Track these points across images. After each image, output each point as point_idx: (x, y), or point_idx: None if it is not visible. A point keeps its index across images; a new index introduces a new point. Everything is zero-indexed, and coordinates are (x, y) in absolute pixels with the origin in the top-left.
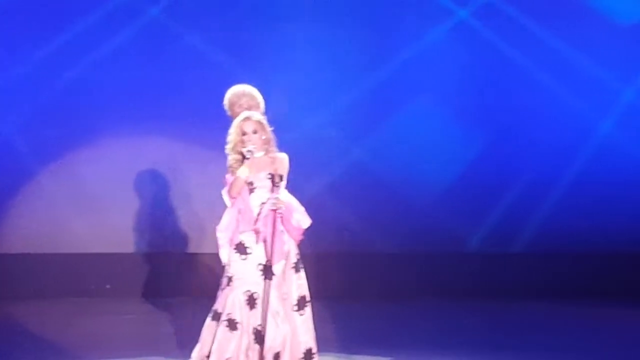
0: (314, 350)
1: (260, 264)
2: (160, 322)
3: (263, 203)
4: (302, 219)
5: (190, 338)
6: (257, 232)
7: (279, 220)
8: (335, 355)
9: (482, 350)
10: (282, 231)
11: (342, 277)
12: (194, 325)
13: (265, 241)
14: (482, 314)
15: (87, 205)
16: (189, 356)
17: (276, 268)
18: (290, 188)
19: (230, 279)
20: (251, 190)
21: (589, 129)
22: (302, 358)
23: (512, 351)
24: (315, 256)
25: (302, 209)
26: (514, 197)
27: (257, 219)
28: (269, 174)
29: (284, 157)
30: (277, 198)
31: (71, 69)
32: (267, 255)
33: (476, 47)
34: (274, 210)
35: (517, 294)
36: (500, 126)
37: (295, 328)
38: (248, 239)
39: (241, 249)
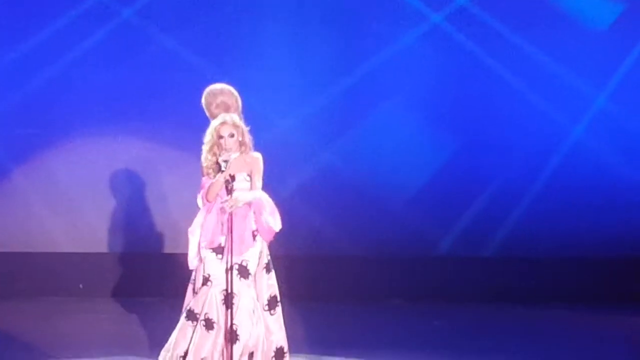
0: (286, 349)
1: (235, 263)
2: (133, 322)
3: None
4: (270, 221)
5: (162, 338)
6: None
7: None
8: (306, 357)
9: (451, 353)
10: (244, 222)
11: (312, 280)
12: (167, 326)
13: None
14: (451, 318)
15: (61, 205)
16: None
17: (251, 266)
18: (262, 188)
19: (206, 279)
20: (229, 192)
21: (560, 134)
22: (274, 357)
23: (481, 354)
24: (286, 259)
25: (276, 211)
26: (485, 201)
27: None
28: (247, 175)
29: (258, 157)
30: (231, 198)
31: (45, 69)
32: (228, 245)
33: (449, 52)
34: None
35: (487, 297)
36: (472, 131)
37: (267, 327)
38: (224, 240)
39: (218, 249)
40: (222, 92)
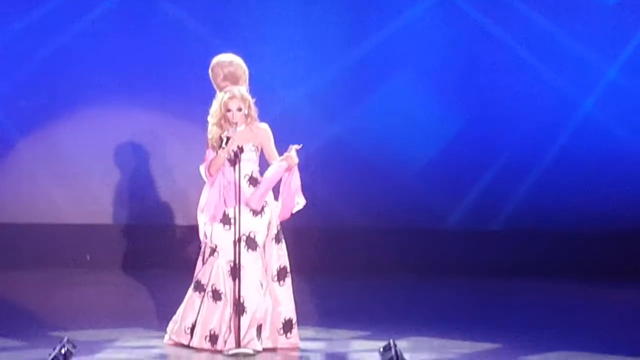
0: (294, 321)
1: (243, 234)
2: (139, 294)
3: (247, 175)
4: (300, 201)
5: (169, 310)
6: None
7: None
8: (314, 329)
9: (459, 326)
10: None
11: (320, 253)
12: (173, 297)
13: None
14: (459, 291)
15: (67, 176)
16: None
17: (259, 238)
18: (266, 163)
19: (213, 250)
20: (236, 163)
21: (571, 107)
22: (282, 328)
23: (489, 327)
24: (293, 231)
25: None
26: (495, 174)
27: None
28: (253, 145)
29: (266, 127)
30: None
31: (51, 39)
32: (232, 205)
33: (458, 24)
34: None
35: (495, 271)
36: (482, 103)
37: (275, 298)
38: (231, 209)
39: (225, 220)
40: (230, 63)
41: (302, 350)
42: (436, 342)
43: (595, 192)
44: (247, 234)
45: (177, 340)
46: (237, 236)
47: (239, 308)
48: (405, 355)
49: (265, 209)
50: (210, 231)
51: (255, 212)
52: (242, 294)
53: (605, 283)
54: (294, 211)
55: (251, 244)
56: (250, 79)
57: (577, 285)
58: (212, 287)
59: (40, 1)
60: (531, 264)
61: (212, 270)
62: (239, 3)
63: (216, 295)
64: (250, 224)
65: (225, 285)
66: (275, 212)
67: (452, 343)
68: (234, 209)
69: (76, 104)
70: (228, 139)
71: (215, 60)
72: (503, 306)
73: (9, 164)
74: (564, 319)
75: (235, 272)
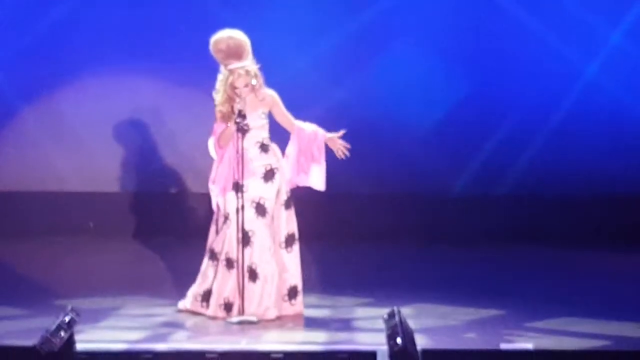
0: (299, 288)
1: (253, 201)
2: (144, 262)
3: (258, 142)
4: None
5: (174, 277)
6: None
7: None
8: (318, 296)
9: (463, 293)
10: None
11: (323, 219)
12: (177, 265)
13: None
14: (464, 257)
15: (71, 144)
16: (174, 296)
17: (268, 205)
18: (273, 129)
19: (226, 218)
20: (246, 131)
21: (575, 72)
22: (287, 295)
23: (493, 294)
24: (296, 198)
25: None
26: (499, 139)
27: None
28: (262, 112)
29: (273, 93)
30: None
31: (55, 7)
32: (237, 174)
33: None
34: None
35: (500, 237)
36: (486, 68)
37: (282, 265)
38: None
39: (237, 187)
40: (230, 38)
41: (306, 318)
42: (441, 308)
43: (600, 156)
44: (257, 200)
45: (191, 309)
46: (240, 203)
47: (250, 275)
48: (410, 322)
49: (275, 175)
50: (223, 201)
51: (266, 178)
52: (253, 260)
53: (611, 248)
54: (305, 183)
55: (260, 210)
56: (255, 45)
57: (581, 250)
58: (225, 255)
59: None
60: (536, 229)
61: (224, 239)
62: None
63: (229, 264)
64: (259, 190)
65: (237, 252)
66: (285, 178)
67: (456, 310)
68: (240, 177)
69: (80, 71)
70: (240, 111)
71: (214, 38)
72: (508, 273)
73: (13, 132)
74: (569, 284)
75: (247, 239)
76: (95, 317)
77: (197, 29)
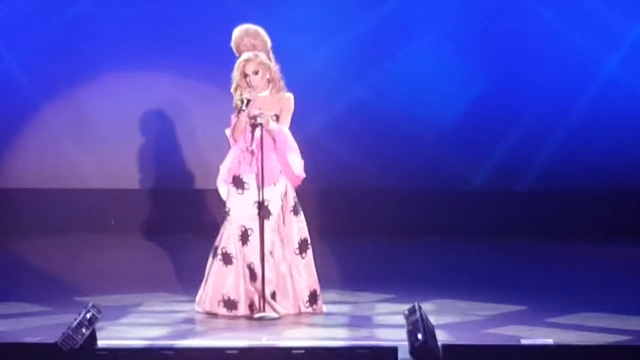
0: (318, 291)
1: (256, 201)
2: (164, 259)
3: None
4: (294, 161)
5: (193, 275)
6: (252, 154)
7: (269, 141)
8: (339, 292)
9: (484, 288)
10: (272, 154)
11: (344, 215)
12: (197, 262)
13: (258, 161)
14: (483, 253)
15: (91, 141)
16: (193, 292)
17: (273, 207)
18: (292, 125)
19: (227, 213)
20: (255, 128)
21: (594, 67)
22: (308, 301)
23: (513, 289)
24: (317, 193)
25: (299, 157)
26: (518, 135)
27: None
28: (275, 114)
29: (290, 97)
30: (263, 114)
31: (75, 3)
32: (257, 180)
33: None
34: (261, 129)
35: (519, 232)
36: (505, 64)
37: (298, 272)
38: (246, 174)
39: (238, 183)
40: (248, 32)
41: (327, 314)
42: (461, 304)
43: (619, 151)
44: (259, 200)
45: (196, 308)
46: (250, 200)
47: (251, 274)
48: (430, 318)
49: (280, 178)
50: (226, 194)
51: (270, 182)
52: (251, 260)
53: (631, 243)
54: (295, 172)
55: (265, 212)
56: (273, 42)
57: (601, 246)
58: (222, 250)
59: None
60: (555, 225)
61: (223, 234)
62: None
63: (227, 259)
64: (265, 193)
65: (236, 249)
66: (289, 181)
67: (476, 305)
68: (249, 173)
69: (100, 68)
70: (249, 101)
71: (235, 31)
72: (527, 268)
73: (34, 129)
74: (589, 279)
75: (245, 237)
76: (116, 313)
77: (216, 26)
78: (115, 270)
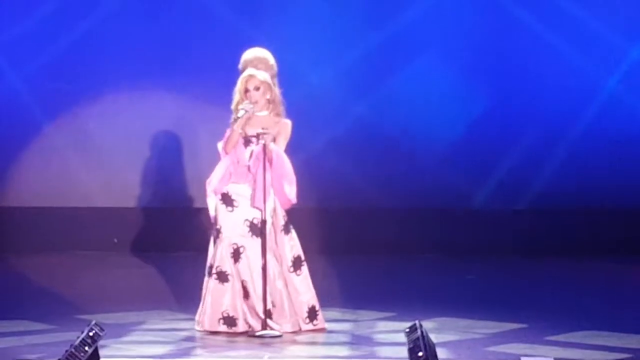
0: (317, 307)
1: (247, 220)
2: (166, 277)
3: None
4: (287, 188)
5: (195, 293)
6: (248, 170)
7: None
8: (340, 310)
9: (485, 306)
10: (268, 173)
11: (345, 233)
12: (200, 280)
13: (255, 182)
14: (485, 271)
15: (95, 159)
16: (195, 311)
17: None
18: (294, 143)
19: (218, 231)
20: (247, 144)
21: (594, 87)
22: (307, 317)
23: (515, 308)
24: (318, 212)
25: (294, 182)
26: (520, 154)
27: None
28: (272, 136)
29: (288, 122)
30: (267, 131)
31: (78, 23)
32: (255, 201)
33: (484, 4)
34: (264, 153)
35: (521, 250)
36: (506, 83)
37: (294, 289)
38: (235, 191)
39: (227, 200)
40: (256, 57)
41: (328, 332)
42: (462, 322)
43: (621, 170)
44: (251, 220)
45: (196, 327)
46: (240, 218)
47: (245, 291)
48: (431, 336)
49: (269, 197)
50: (215, 210)
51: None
52: (243, 277)
53: (632, 261)
54: (288, 197)
55: (254, 229)
56: (276, 59)
57: (603, 264)
58: (217, 269)
59: None
60: (556, 243)
61: (216, 252)
62: None
63: (222, 277)
64: (253, 210)
65: (230, 266)
66: (278, 201)
67: (478, 323)
68: (238, 188)
69: (104, 87)
70: (246, 111)
71: (244, 55)
72: (528, 286)
73: (37, 148)
74: (590, 298)
75: (237, 254)
76: (119, 331)
77: (219, 45)
78: (118, 288)
